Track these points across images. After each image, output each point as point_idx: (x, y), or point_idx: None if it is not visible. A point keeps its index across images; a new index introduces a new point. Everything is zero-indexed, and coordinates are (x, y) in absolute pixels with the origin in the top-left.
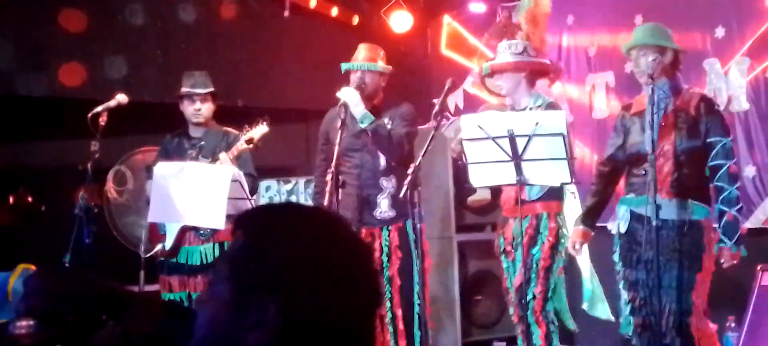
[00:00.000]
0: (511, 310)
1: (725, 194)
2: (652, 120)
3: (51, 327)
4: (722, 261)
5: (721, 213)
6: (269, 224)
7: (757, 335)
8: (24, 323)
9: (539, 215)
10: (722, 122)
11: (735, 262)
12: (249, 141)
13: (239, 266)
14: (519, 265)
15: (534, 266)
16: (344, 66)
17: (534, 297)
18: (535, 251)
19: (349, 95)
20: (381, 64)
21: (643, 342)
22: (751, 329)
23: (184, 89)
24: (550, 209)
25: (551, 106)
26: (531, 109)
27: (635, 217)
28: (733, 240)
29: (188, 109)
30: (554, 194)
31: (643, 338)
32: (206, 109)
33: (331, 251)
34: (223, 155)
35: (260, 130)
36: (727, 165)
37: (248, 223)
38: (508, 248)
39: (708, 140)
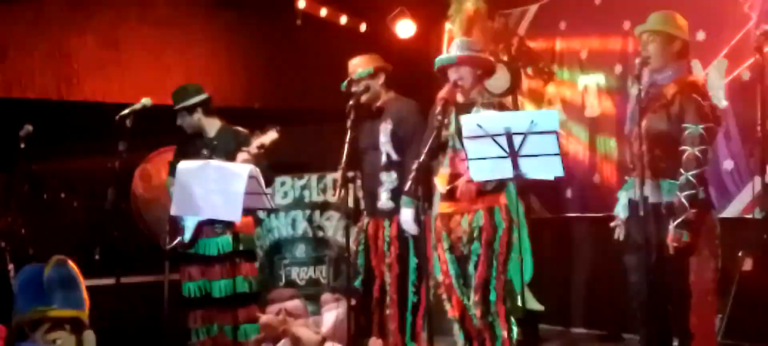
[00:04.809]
0: (448, 305)
1: (680, 177)
2: (639, 104)
3: None
4: (669, 242)
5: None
6: None
7: (740, 317)
8: None
9: (491, 209)
10: (697, 109)
11: (677, 244)
12: (260, 146)
13: None
14: (475, 259)
15: (494, 261)
16: (344, 83)
17: (496, 292)
18: (495, 246)
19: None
20: (373, 67)
21: (645, 327)
22: (733, 313)
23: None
24: (499, 201)
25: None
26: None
27: (631, 202)
28: (676, 223)
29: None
30: (500, 187)
31: (644, 321)
32: (196, 119)
33: None
34: (241, 156)
35: (270, 136)
36: (687, 151)
37: None
38: (456, 242)
39: (681, 125)
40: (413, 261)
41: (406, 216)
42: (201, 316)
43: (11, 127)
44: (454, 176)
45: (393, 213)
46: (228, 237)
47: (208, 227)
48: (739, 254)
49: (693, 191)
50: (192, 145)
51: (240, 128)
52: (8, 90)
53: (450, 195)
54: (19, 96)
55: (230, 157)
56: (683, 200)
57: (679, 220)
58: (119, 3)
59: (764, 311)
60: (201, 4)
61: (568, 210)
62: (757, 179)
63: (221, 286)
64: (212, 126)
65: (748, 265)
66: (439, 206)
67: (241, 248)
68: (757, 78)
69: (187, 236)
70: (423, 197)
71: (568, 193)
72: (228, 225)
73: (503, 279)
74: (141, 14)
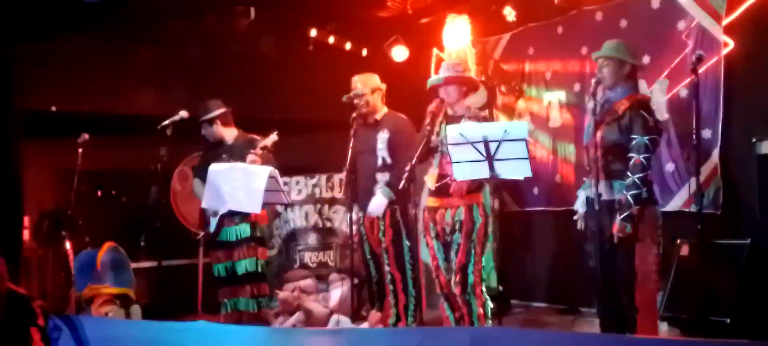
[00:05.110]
0: (437, 283)
1: (627, 179)
2: (594, 117)
3: None
4: (615, 232)
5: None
6: None
7: (678, 295)
8: None
9: (470, 206)
10: (644, 123)
11: (621, 235)
12: (263, 148)
13: None
14: (457, 247)
15: (472, 249)
16: (345, 97)
17: (473, 275)
18: (473, 237)
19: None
20: (373, 86)
21: (597, 301)
22: (672, 291)
23: (204, 117)
24: (478, 200)
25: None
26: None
27: (588, 199)
28: (622, 217)
29: (208, 131)
30: (478, 187)
31: (598, 297)
32: (216, 129)
33: None
34: (250, 157)
35: (271, 138)
36: (633, 158)
37: None
38: (441, 232)
39: (630, 136)
40: (406, 244)
41: (379, 201)
42: (228, 291)
43: (70, 135)
44: (441, 176)
45: (387, 207)
46: (246, 225)
47: (228, 218)
48: (677, 241)
49: (637, 191)
50: (214, 151)
51: (254, 135)
52: (69, 104)
53: (437, 191)
54: (77, 109)
55: (244, 160)
56: (629, 198)
57: (625, 214)
58: (163, 33)
59: (697, 288)
60: (233, 34)
61: (535, 204)
62: (693, 180)
63: (245, 265)
64: (230, 134)
65: (684, 250)
66: (427, 201)
67: (257, 234)
68: (692, 95)
69: (212, 227)
70: (413, 192)
71: (535, 190)
72: (244, 216)
73: (480, 265)
74: (183, 41)
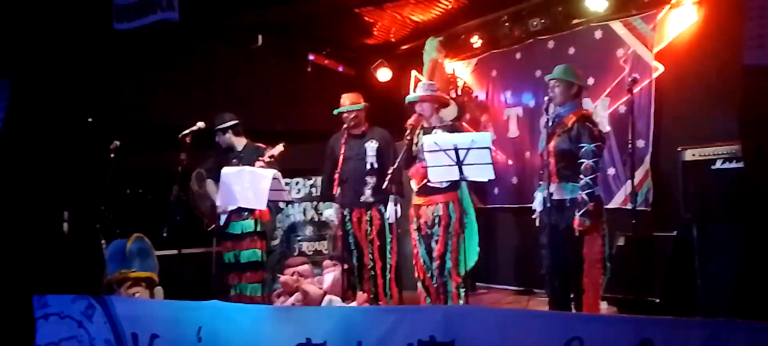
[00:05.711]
0: (416, 270)
1: (580, 181)
2: (547, 130)
3: None
4: (576, 226)
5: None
6: None
7: (616, 278)
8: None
9: (447, 203)
10: (590, 133)
11: (582, 228)
12: (270, 157)
13: None
14: (437, 238)
15: (449, 239)
16: (336, 111)
17: (450, 262)
18: (450, 229)
19: (394, 214)
20: (362, 104)
21: (549, 284)
22: (611, 275)
23: (218, 126)
24: (453, 197)
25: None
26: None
27: (544, 199)
28: (581, 213)
29: (221, 139)
30: (454, 187)
31: (550, 281)
32: (228, 137)
33: None
34: (258, 163)
35: (278, 149)
36: (584, 163)
37: None
38: (423, 225)
39: (578, 145)
40: (388, 237)
41: (393, 208)
42: (236, 276)
43: (104, 141)
44: (421, 179)
45: (372, 205)
46: (251, 221)
47: (236, 214)
48: (616, 233)
49: (591, 190)
50: (225, 156)
51: (260, 144)
52: (101, 114)
53: (419, 191)
54: (109, 118)
55: (253, 164)
56: (585, 197)
57: (583, 211)
58: (184, 55)
59: (632, 273)
60: (243, 57)
61: (496, 202)
62: (629, 182)
63: (248, 254)
64: (240, 143)
65: (621, 241)
66: (413, 199)
67: (259, 229)
68: (629, 111)
69: (222, 221)
70: (397, 192)
71: (496, 190)
72: (249, 212)
73: (456, 253)
74: (201, 62)
